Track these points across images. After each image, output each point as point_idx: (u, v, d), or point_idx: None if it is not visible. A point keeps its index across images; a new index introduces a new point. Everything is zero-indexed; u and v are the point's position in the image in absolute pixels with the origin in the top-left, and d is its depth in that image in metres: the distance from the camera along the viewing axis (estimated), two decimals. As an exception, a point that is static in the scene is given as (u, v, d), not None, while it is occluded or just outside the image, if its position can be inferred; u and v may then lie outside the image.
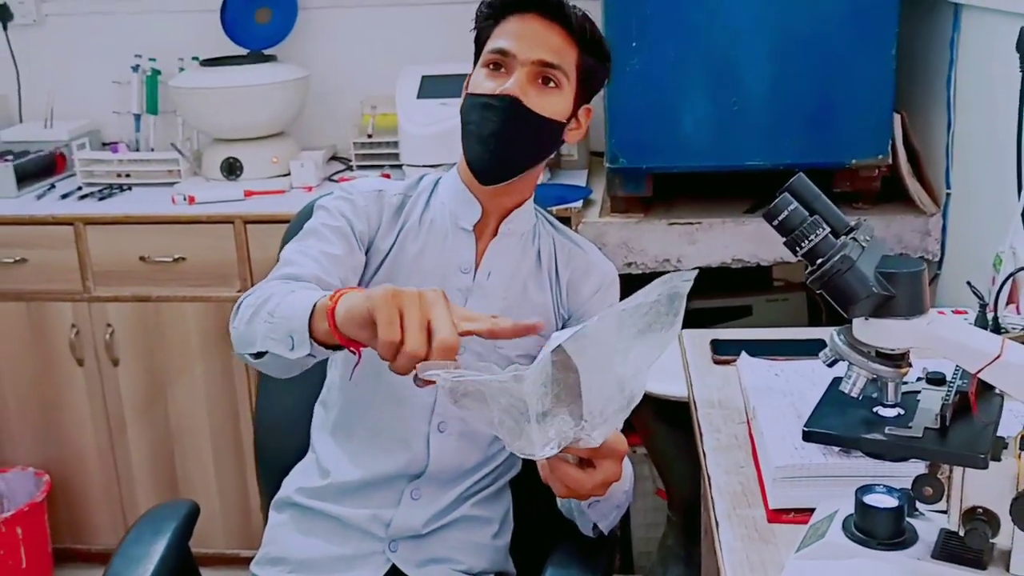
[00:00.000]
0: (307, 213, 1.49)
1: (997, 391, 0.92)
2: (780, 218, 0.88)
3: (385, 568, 1.33)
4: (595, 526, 1.31)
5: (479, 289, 1.35)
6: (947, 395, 0.92)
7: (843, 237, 0.89)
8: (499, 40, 1.28)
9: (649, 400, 1.86)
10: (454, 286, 1.33)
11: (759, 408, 1.25)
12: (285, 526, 1.39)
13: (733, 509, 1.13)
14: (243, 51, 2.63)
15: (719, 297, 2.37)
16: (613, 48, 1.38)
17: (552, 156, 1.47)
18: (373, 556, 1.33)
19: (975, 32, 1.88)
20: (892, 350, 0.89)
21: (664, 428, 2.05)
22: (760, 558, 1.03)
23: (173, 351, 2.37)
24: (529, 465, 1.46)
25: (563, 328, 1.35)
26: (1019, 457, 0.86)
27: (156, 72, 2.67)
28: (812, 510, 1.06)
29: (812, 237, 0.87)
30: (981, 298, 1.47)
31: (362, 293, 0.96)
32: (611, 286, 1.43)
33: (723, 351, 1.53)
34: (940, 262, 2.09)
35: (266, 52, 2.61)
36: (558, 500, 1.33)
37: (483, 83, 1.28)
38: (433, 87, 2.43)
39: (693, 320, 2.32)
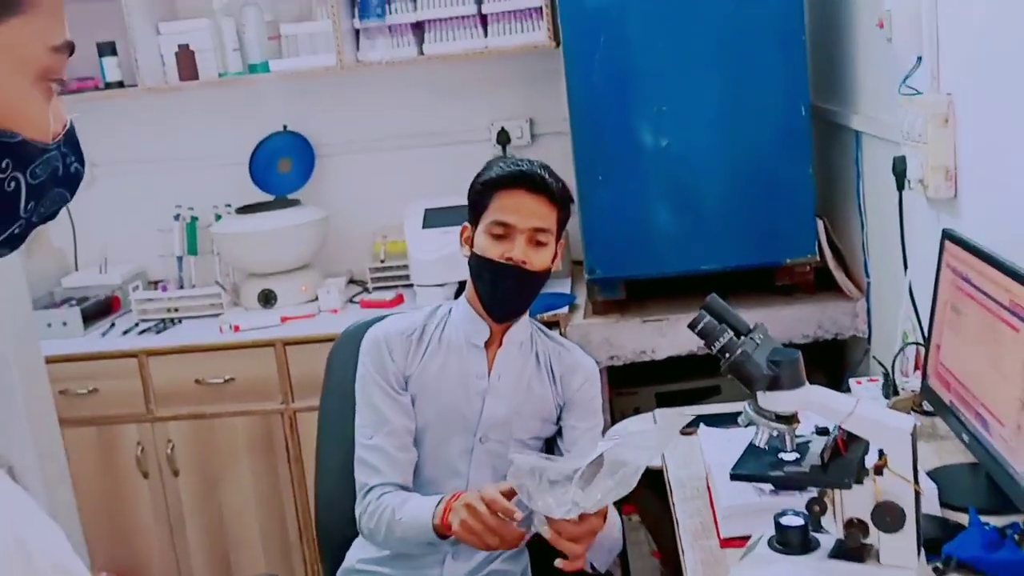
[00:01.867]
0: (347, 345, 1.91)
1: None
2: (698, 328, 1.29)
3: (435, 615, 1.70)
4: (592, 566, 1.68)
5: (493, 389, 1.75)
6: (827, 441, 1.31)
7: (743, 337, 1.30)
8: (499, 214, 1.69)
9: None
10: (473, 391, 1.74)
11: (712, 465, 1.64)
12: (351, 589, 1.76)
13: (695, 540, 1.51)
14: (269, 196, 3.07)
15: (692, 380, 2.77)
16: (584, 183, 1.79)
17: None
18: (424, 605, 1.70)
19: (871, 153, 2.33)
20: (784, 412, 1.29)
21: (653, 496, 2.42)
22: (715, 573, 1.41)
23: (225, 459, 2.75)
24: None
25: (560, 414, 1.77)
26: (875, 481, 1.25)
27: (194, 219, 3.10)
28: (751, 536, 1.44)
29: (721, 339, 1.28)
30: (884, 368, 1.88)
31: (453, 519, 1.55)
32: (594, 378, 1.83)
33: (688, 425, 1.93)
34: (869, 338, 2.50)
35: (289, 197, 3.05)
36: None
37: (491, 248, 1.69)
38: (435, 218, 2.87)
39: (672, 400, 2.73)
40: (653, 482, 2.28)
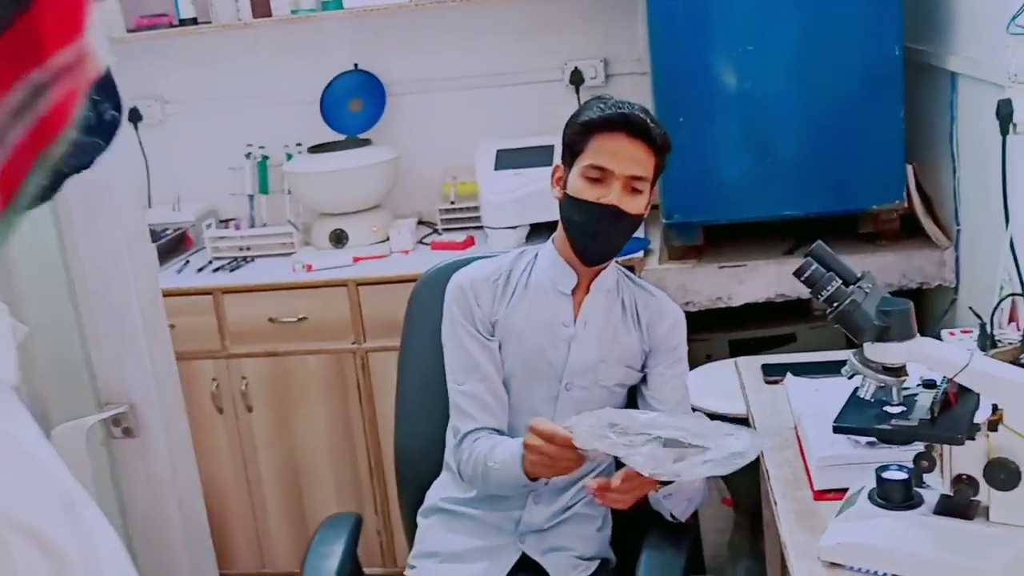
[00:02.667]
0: (430, 286, 1.91)
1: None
2: (805, 275, 1.25)
3: (517, 556, 1.70)
4: (671, 514, 1.67)
5: (579, 336, 1.73)
6: (936, 395, 1.27)
7: (852, 286, 1.25)
8: (597, 157, 1.63)
9: (716, 417, 2.21)
10: (559, 337, 1.72)
11: (803, 415, 1.61)
12: (433, 527, 1.77)
13: (787, 491, 1.48)
14: (340, 136, 3.05)
15: (767, 327, 2.72)
16: (662, 122, 1.73)
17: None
18: (507, 547, 1.71)
19: (969, 96, 2.23)
20: (892, 364, 1.25)
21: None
22: (810, 524, 1.39)
23: (298, 397, 2.78)
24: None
25: (645, 361, 1.75)
26: (987, 436, 1.21)
27: (265, 158, 3.10)
28: (846, 489, 1.41)
29: (828, 288, 1.24)
30: (980, 319, 1.82)
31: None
32: (680, 324, 1.80)
33: (772, 373, 1.89)
34: (956, 289, 2.42)
35: (360, 136, 3.03)
36: (649, 495, 1.70)
37: (586, 190, 1.64)
38: (507, 159, 2.83)
39: (745, 348, 2.71)
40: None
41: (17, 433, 0.60)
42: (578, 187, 1.66)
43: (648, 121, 1.64)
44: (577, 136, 1.67)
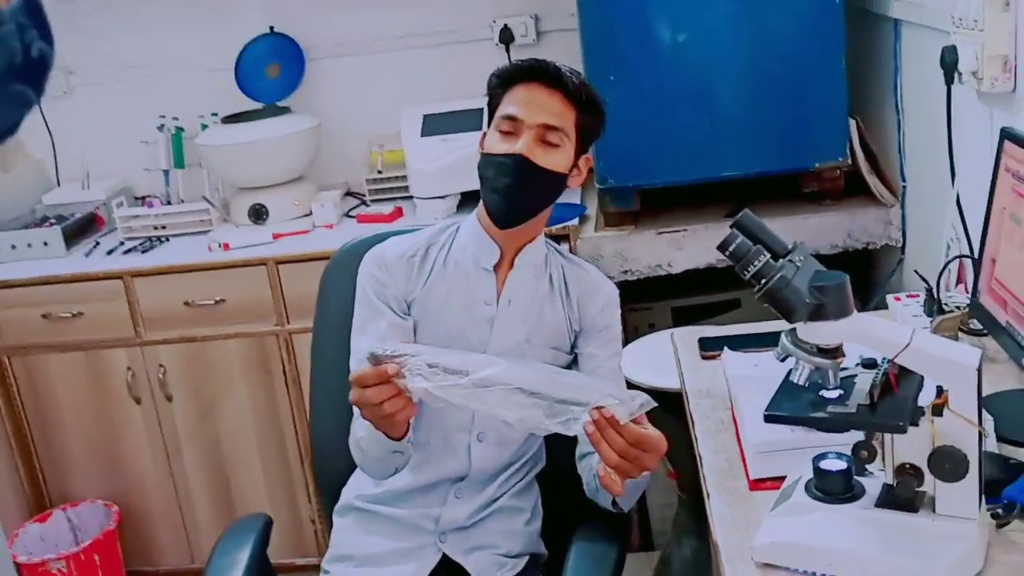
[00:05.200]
0: (343, 264, 1.75)
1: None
2: (730, 249, 1.12)
3: (437, 557, 1.57)
4: (614, 502, 1.54)
5: (502, 316, 1.59)
6: (876, 377, 1.15)
7: (782, 260, 1.12)
8: (508, 107, 1.51)
9: (653, 393, 2.10)
10: (481, 316, 1.58)
11: (739, 396, 1.49)
12: (349, 528, 1.64)
13: (721, 482, 1.36)
14: (258, 105, 2.87)
15: (710, 294, 2.61)
16: (595, 84, 1.59)
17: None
18: (426, 548, 1.58)
19: (913, 43, 2.11)
20: (827, 345, 1.12)
21: (668, 416, 2.29)
22: (744, 519, 1.27)
23: (220, 383, 2.62)
24: (552, 462, 1.71)
25: (575, 341, 1.61)
26: (931, 422, 1.09)
27: (180, 130, 2.91)
28: (784, 477, 1.30)
29: (756, 263, 1.10)
30: (927, 283, 1.71)
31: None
32: (614, 303, 1.67)
33: (709, 347, 1.77)
34: (903, 248, 2.32)
35: (279, 104, 2.85)
36: (584, 482, 1.57)
37: (497, 145, 1.51)
38: (434, 125, 2.67)
39: (689, 316, 2.58)
40: (668, 401, 2.14)
41: None
42: (491, 142, 1.53)
43: (564, 71, 1.50)
44: (494, 91, 1.55)
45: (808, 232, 2.31)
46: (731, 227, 1.15)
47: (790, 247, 1.15)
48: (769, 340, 1.72)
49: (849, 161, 2.29)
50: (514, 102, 1.52)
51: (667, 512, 2.66)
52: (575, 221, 2.47)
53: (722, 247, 1.13)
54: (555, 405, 1.31)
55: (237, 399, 2.63)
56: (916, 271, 1.67)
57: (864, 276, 2.60)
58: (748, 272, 1.11)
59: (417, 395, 1.32)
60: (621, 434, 1.31)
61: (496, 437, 1.59)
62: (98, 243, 2.78)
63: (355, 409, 1.52)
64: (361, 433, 1.51)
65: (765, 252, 1.12)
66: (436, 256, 1.62)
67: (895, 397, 1.13)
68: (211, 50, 2.92)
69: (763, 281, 1.10)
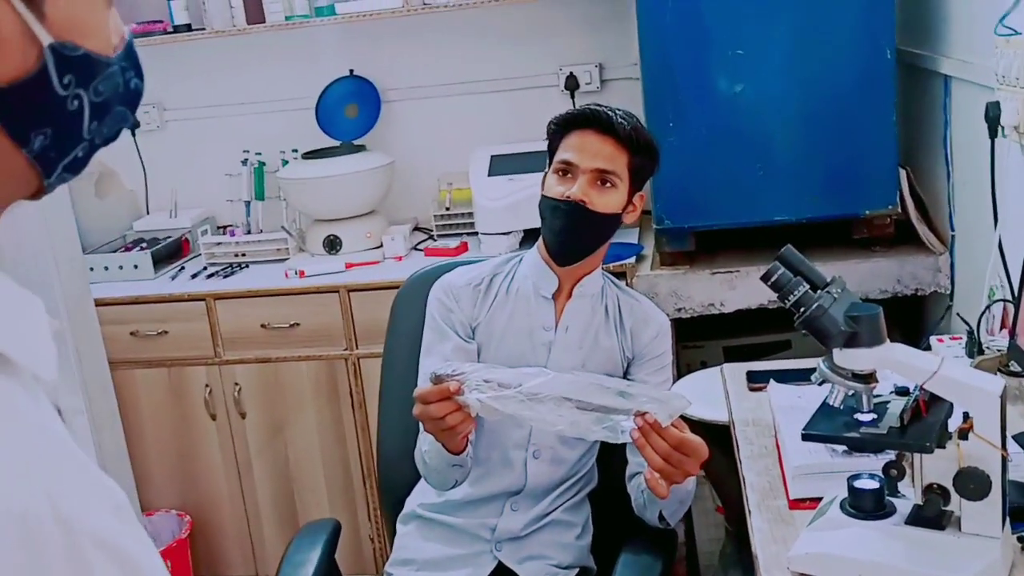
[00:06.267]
0: (412, 292, 1.90)
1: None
2: (772, 280, 1.23)
3: (493, 564, 1.68)
4: (661, 516, 1.64)
5: (559, 342, 1.71)
6: (907, 402, 1.24)
7: (820, 291, 1.23)
8: (564, 153, 1.64)
9: (701, 427, 2.19)
10: (540, 341, 1.70)
11: (782, 423, 1.58)
12: (411, 535, 1.75)
13: (762, 500, 1.46)
14: (335, 142, 3.04)
15: (762, 334, 2.69)
16: (654, 129, 1.72)
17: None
18: (483, 555, 1.69)
19: (961, 99, 2.20)
20: (861, 371, 1.22)
21: (717, 451, 2.37)
22: (782, 534, 1.36)
23: (291, 402, 2.77)
24: (604, 482, 1.81)
25: (628, 368, 1.73)
26: (958, 445, 1.18)
27: (262, 164, 3.09)
28: (821, 499, 1.38)
29: (795, 293, 1.21)
30: (968, 326, 1.79)
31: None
32: (665, 333, 1.78)
33: (757, 380, 1.86)
34: (951, 295, 2.39)
35: (355, 142, 3.03)
36: (633, 501, 1.67)
37: (554, 187, 1.64)
38: (501, 165, 2.82)
39: (740, 354, 2.67)
40: (718, 436, 2.24)
41: (65, 433, 0.58)
42: (549, 184, 1.66)
43: (615, 117, 1.62)
44: (552, 136, 1.68)
45: (858, 277, 2.39)
46: (774, 260, 1.26)
47: (829, 280, 1.26)
48: (811, 375, 1.83)
49: (899, 209, 2.38)
50: (569, 148, 1.64)
51: (714, 547, 2.72)
52: (632, 260, 2.59)
53: (765, 278, 1.24)
54: (600, 414, 1.43)
55: (306, 419, 2.77)
56: (959, 314, 1.75)
57: (914, 322, 2.66)
58: (789, 300, 1.22)
59: (474, 409, 1.45)
60: (664, 438, 1.41)
61: (551, 455, 1.70)
62: (183, 267, 2.96)
63: (420, 424, 1.66)
64: (425, 447, 1.64)
65: (804, 283, 1.23)
66: (500, 285, 1.75)
67: (924, 421, 1.22)
68: (294, 90, 3.11)
69: (802, 309, 1.21)
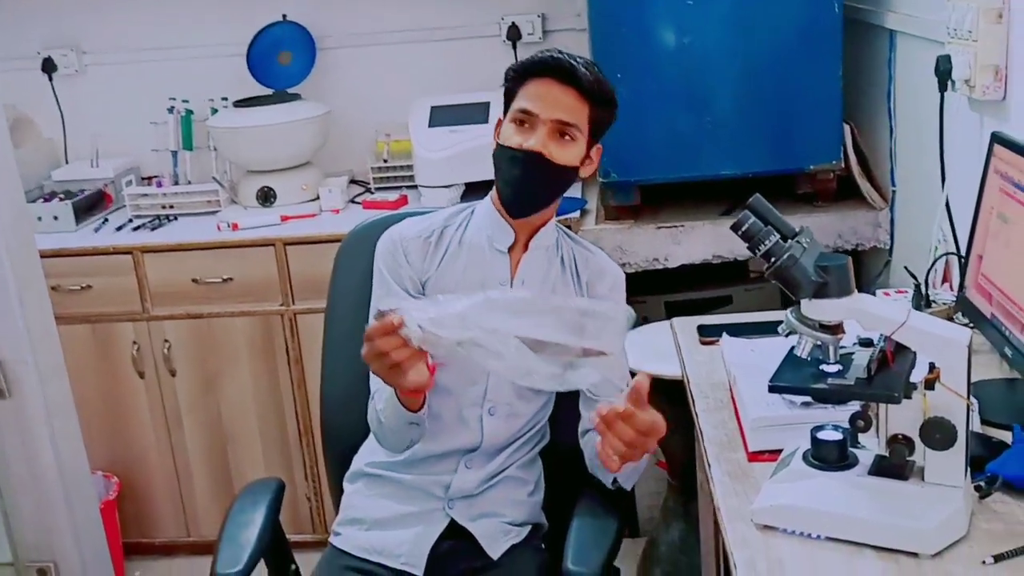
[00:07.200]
0: (356, 245, 1.83)
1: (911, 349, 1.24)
2: (742, 229, 1.21)
3: (445, 522, 1.64)
4: (615, 480, 1.62)
5: (515, 296, 1.66)
6: (873, 353, 1.24)
7: (790, 241, 1.21)
8: (523, 101, 1.57)
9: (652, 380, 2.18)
10: (495, 296, 1.65)
11: (738, 376, 1.57)
12: (359, 492, 1.70)
13: (721, 453, 1.45)
14: (268, 90, 2.93)
15: (703, 289, 2.69)
16: None
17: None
18: (435, 513, 1.65)
19: (907, 54, 2.21)
20: (829, 322, 1.21)
21: (663, 405, 2.37)
22: (743, 487, 1.35)
23: (223, 360, 2.68)
24: (555, 436, 1.79)
25: None
26: (924, 396, 1.18)
27: (189, 112, 2.97)
28: (781, 451, 1.38)
29: (766, 242, 1.19)
30: (916, 279, 1.81)
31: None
32: (620, 284, 1.75)
33: (708, 334, 1.86)
34: (891, 250, 2.42)
35: (289, 91, 2.92)
36: (586, 458, 1.65)
37: (512, 137, 1.58)
38: (442, 116, 2.75)
39: (682, 310, 2.67)
40: (661, 391, 2.23)
41: None
42: (506, 134, 1.60)
43: (579, 67, 1.57)
44: (511, 84, 1.61)
45: (800, 232, 2.40)
46: (743, 208, 1.24)
47: (797, 230, 1.24)
48: (763, 329, 1.82)
49: (842, 164, 2.39)
50: (529, 97, 1.58)
51: (654, 500, 2.74)
52: (576, 214, 2.56)
53: (736, 227, 1.22)
54: (549, 346, 1.35)
55: (240, 376, 2.69)
56: (906, 267, 1.76)
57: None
58: (760, 250, 1.20)
59: (416, 339, 1.32)
60: (631, 425, 1.35)
61: (508, 411, 1.67)
62: (107, 220, 2.83)
63: (374, 383, 1.60)
64: (380, 405, 1.58)
65: (775, 233, 1.21)
66: (452, 236, 1.69)
67: (890, 372, 1.21)
68: (224, 35, 2.98)
69: (773, 259, 1.19)
